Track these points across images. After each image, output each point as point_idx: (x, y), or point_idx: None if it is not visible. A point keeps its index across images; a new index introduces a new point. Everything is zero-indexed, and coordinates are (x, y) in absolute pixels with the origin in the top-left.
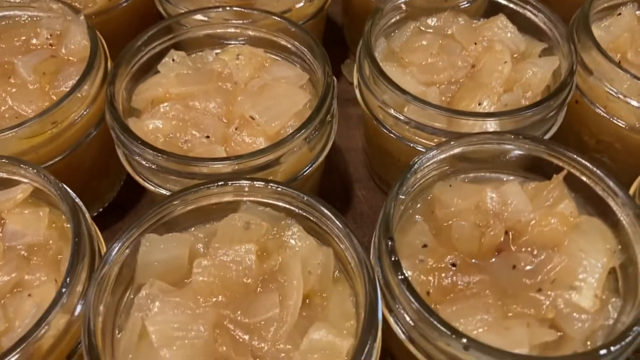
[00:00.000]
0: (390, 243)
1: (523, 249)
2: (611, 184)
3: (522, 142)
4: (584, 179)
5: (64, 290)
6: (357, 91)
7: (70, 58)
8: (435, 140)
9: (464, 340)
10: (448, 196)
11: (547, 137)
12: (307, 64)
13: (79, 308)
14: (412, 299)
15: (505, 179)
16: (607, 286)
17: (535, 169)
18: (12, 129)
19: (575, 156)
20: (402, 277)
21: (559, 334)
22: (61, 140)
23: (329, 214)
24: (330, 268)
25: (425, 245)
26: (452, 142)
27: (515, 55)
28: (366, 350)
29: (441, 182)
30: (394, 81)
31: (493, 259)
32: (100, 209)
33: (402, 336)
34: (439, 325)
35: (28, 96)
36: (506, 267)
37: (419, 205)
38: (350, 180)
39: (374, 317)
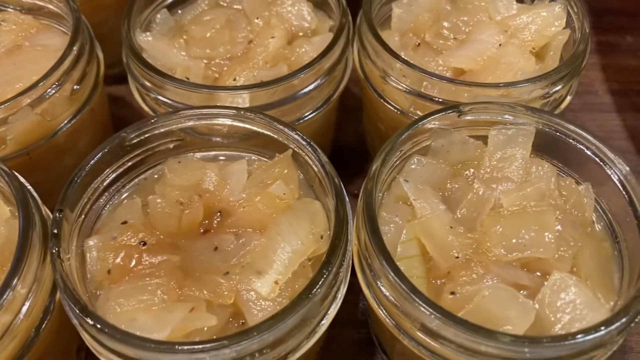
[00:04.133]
0: (58, 215)
1: (228, 230)
2: (320, 164)
3: (242, 117)
4: (308, 160)
5: None
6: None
7: None
8: None
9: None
10: (171, 172)
11: (321, 110)
12: None
13: None
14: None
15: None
16: (310, 273)
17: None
18: None
19: (297, 135)
20: (55, 251)
21: (241, 321)
22: None
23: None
24: (14, 241)
25: (125, 222)
26: (176, 114)
27: (301, 34)
28: None
29: (173, 158)
30: (145, 54)
31: (197, 240)
32: None
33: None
34: (71, 303)
35: None
36: (208, 248)
37: (146, 182)
38: None
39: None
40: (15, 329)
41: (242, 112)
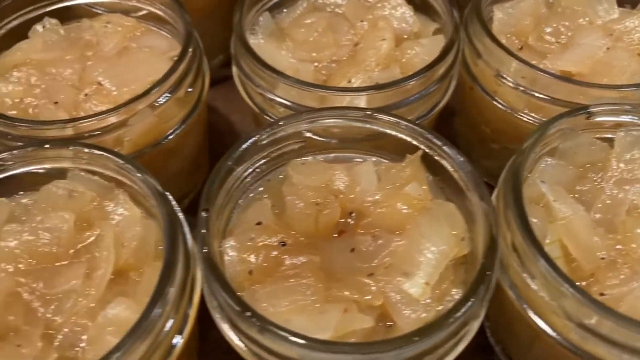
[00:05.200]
0: (204, 214)
1: (364, 231)
2: (460, 167)
3: (371, 117)
4: (442, 161)
5: None
6: (233, 69)
7: None
8: None
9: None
10: (298, 174)
11: (428, 116)
12: None
13: None
14: (214, 277)
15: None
16: (452, 275)
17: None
18: None
19: (430, 136)
20: (206, 251)
21: (388, 323)
22: None
23: (143, 184)
24: (149, 242)
25: (259, 223)
26: (297, 116)
27: (405, 36)
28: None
29: (296, 160)
30: (258, 55)
31: (333, 241)
32: None
33: None
34: (232, 303)
35: None
36: (344, 249)
37: (270, 183)
38: None
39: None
40: (164, 337)
41: (371, 113)
